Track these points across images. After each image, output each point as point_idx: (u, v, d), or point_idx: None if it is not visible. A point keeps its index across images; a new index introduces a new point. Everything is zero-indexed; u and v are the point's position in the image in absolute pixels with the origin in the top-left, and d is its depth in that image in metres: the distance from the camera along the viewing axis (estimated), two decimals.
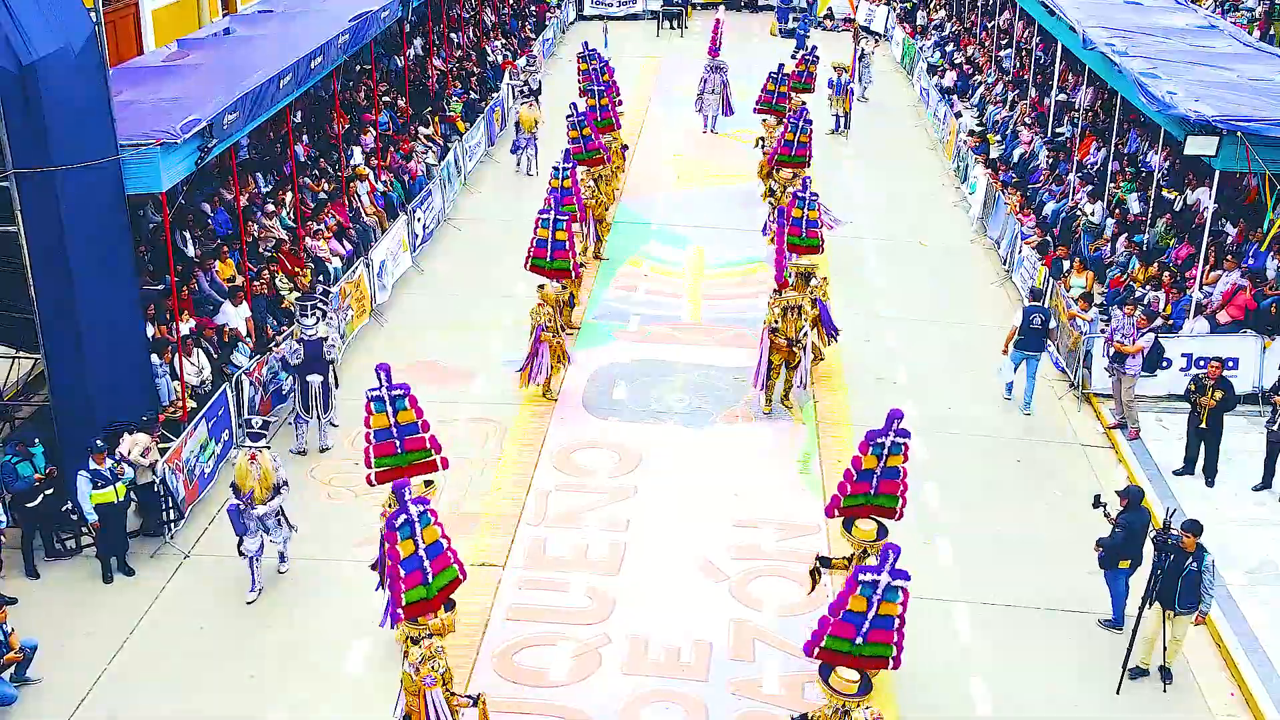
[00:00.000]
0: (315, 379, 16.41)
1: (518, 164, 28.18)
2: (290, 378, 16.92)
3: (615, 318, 20.66)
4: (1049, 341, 18.06)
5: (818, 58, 27.34)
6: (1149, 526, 12.78)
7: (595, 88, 24.79)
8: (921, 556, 14.62)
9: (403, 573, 10.22)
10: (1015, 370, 17.95)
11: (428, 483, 12.70)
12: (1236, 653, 13.03)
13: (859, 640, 10.36)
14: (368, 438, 12.19)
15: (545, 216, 17.92)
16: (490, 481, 15.90)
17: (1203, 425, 15.84)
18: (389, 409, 12.10)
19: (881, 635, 10.30)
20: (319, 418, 16.56)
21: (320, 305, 16.65)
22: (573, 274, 18.68)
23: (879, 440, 11.84)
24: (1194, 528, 12.22)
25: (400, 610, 10.39)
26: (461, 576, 10.77)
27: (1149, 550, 12.53)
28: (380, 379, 12.10)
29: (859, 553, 12.06)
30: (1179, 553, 12.12)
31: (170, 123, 15.14)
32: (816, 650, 10.61)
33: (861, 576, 10.28)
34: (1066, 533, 14.78)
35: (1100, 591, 13.44)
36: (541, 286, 17.79)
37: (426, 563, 10.35)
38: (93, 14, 14.36)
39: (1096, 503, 13.02)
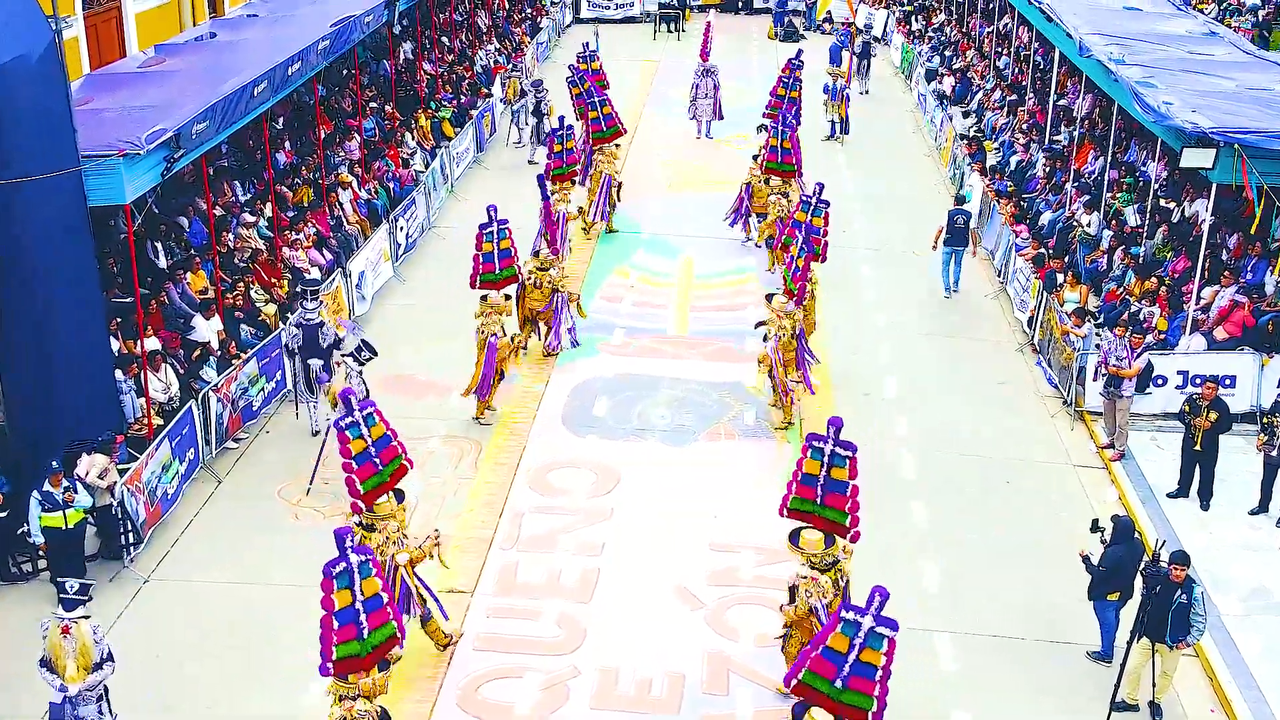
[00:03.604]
0: (316, 362, 16.37)
1: (519, 138, 29.25)
2: (291, 361, 16.95)
3: (600, 330, 20.17)
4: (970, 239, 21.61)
5: (803, 63, 26.94)
6: (1141, 559, 12.33)
7: (594, 99, 24.47)
8: (905, 581, 14.19)
9: (336, 624, 9.79)
10: (946, 265, 21.47)
11: (399, 493, 12.42)
12: (1229, 687, 12.56)
13: (838, 683, 9.88)
14: (348, 467, 11.90)
15: (489, 230, 17.62)
16: (463, 502, 15.47)
17: (1197, 447, 15.37)
18: (364, 431, 11.94)
19: (863, 684, 9.80)
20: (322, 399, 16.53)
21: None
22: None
23: (817, 445, 11.56)
24: (1182, 559, 11.80)
25: (330, 664, 9.93)
26: (400, 636, 10.38)
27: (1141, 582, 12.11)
28: (350, 405, 11.91)
29: (805, 563, 11.78)
30: (1168, 584, 11.69)
31: (135, 132, 14.75)
32: (794, 683, 10.18)
33: (844, 614, 9.89)
34: (1057, 559, 14.26)
35: (1090, 622, 12.97)
36: (485, 298, 17.35)
37: (363, 617, 9.93)
38: (53, 21, 13.98)
39: (1094, 527, 12.62)
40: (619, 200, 24.61)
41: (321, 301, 17.08)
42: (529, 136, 28.80)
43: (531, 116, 28.62)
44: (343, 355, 15.91)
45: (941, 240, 21.53)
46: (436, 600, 12.74)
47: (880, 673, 9.78)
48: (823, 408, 17.82)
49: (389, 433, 12.22)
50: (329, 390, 15.34)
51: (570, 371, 18.86)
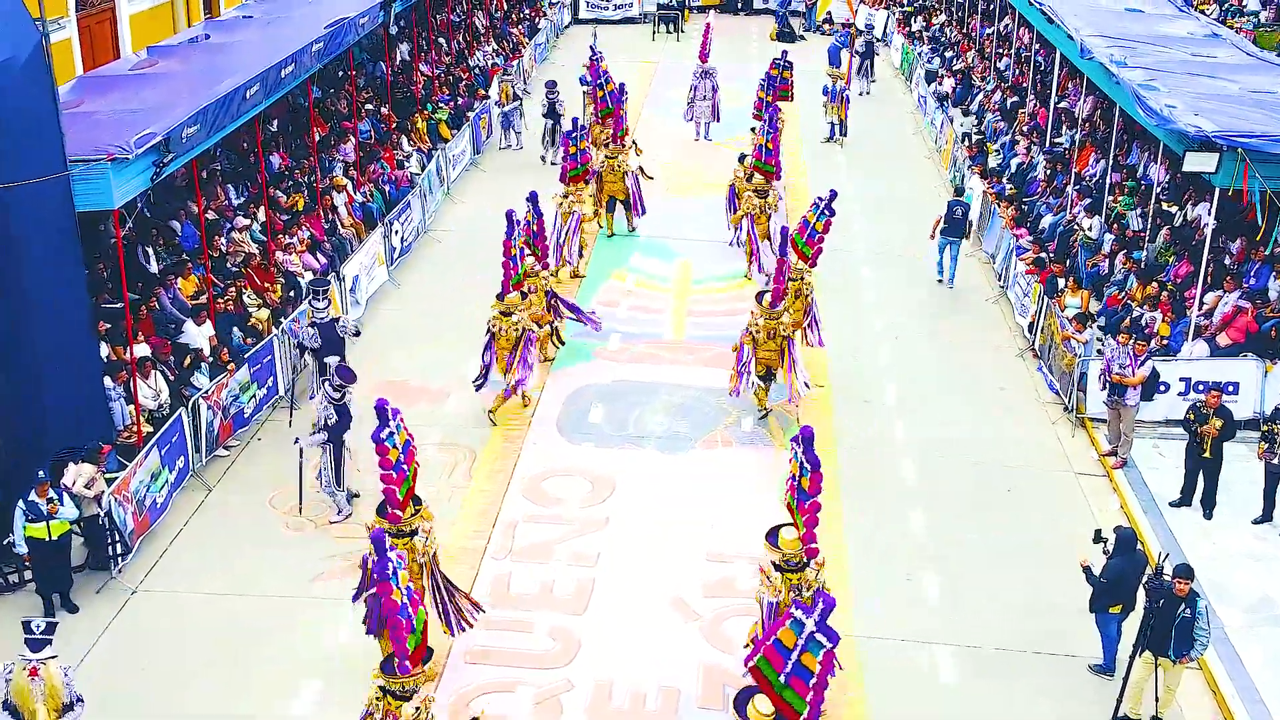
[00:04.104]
0: (333, 360, 16.19)
1: (516, 141, 29.42)
2: (305, 358, 17.11)
3: (596, 335, 19.90)
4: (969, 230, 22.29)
5: (791, 64, 26.74)
6: (1143, 571, 12.13)
7: (615, 99, 24.56)
8: (903, 592, 14.02)
9: (402, 621, 10.12)
10: (941, 254, 21.82)
11: (416, 498, 12.33)
12: (1233, 701, 12.34)
13: (782, 678, 10.01)
14: (387, 478, 11.88)
15: (513, 236, 17.50)
16: (456, 511, 15.25)
17: (1205, 454, 15.15)
18: (396, 440, 11.96)
19: (799, 686, 9.91)
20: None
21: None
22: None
23: (795, 448, 11.73)
24: (1186, 572, 11.60)
25: (407, 661, 10.15)
26: (426, 617, 10.84)
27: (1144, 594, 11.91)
28: (385, 416, 11.87)
29: (776, 563, 11.89)
30: (1171, 598, 11.50)
31: (124, 137, 14.53)
32: (750, 665, 10.43)
33: (794, 610, 10.07)
34: (1057, 568, 14.04)
35: (1092, 634, 12.76)
36: (501, 297, 17.24)
37: (410, 609, 10.33)
38: (40, 24, 13.77)
39: (1097, 538, 12.41)
40: (651, 178, 24.77)
41: (330, 300, 17.03)
42: (543, 138, 28.47)
43: (546, 118, 28.34)
44: (321, 380, 15.71)
45: (939, 230, 21.72)
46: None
47: (814, 680, 9.87)
48: (822, 411, 17.69)
49: (409, 437, 12.28)
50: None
51: (566, 377, 18.64)
